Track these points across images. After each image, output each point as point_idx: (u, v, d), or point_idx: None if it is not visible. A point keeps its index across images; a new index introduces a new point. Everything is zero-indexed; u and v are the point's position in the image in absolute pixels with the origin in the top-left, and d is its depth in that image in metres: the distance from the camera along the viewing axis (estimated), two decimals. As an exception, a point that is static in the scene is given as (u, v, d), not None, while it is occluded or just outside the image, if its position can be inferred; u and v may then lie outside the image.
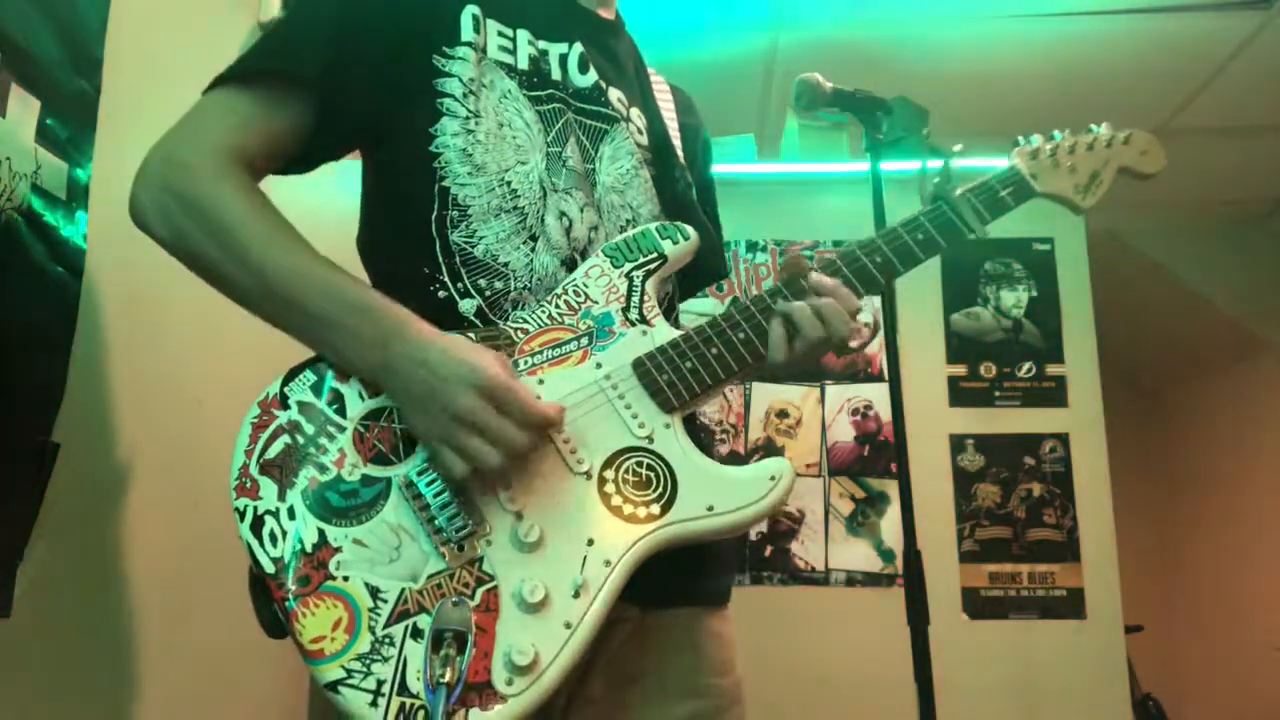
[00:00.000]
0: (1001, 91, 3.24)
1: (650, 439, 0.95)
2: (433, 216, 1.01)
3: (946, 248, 1.09)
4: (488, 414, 0.85)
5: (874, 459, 2.94)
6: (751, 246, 3.11)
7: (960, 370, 3.00)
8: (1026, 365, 2.99)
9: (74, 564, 1.23)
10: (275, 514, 0.86)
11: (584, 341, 0.99)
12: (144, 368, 1.39)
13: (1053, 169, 1.18)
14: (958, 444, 2.95)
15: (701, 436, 1.09)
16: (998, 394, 2.98)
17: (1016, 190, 1.14)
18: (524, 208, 1.03)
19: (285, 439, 0.90)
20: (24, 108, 1.12)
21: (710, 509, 0.92)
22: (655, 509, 0.91)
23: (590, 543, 0.89)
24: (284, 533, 0.86)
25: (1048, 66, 3.10)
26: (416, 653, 0.82)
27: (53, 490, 1.14)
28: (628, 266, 1.04)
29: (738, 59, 3.13)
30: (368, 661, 0.81)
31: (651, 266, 1.04)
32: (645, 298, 1.02)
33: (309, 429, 0.90)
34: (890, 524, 2.88)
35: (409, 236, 1.02)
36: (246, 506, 0.87)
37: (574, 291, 1.02)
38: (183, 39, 1.58)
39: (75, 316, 1.21)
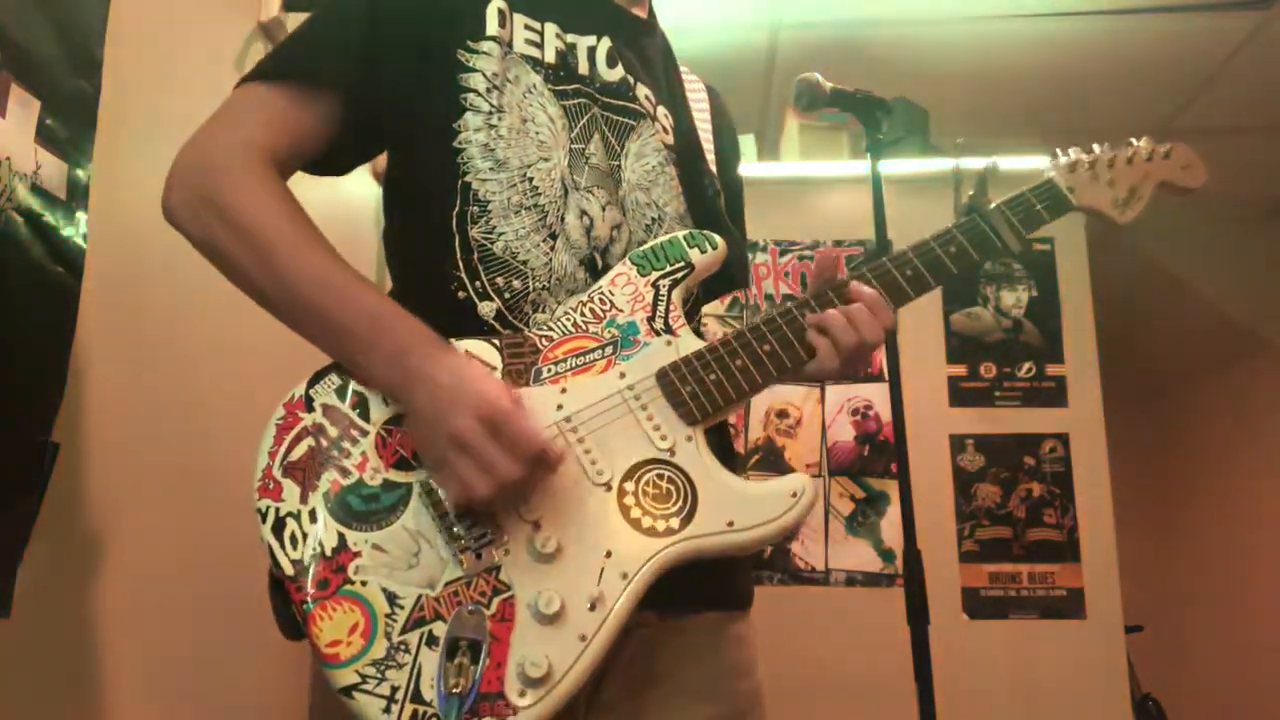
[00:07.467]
0: (1001, 91, 3.24)
1: (672, 451, 0.93)
2: (455, 212, 1.00)
3: (979, 261, 1.07)
4: (481, 439, 0.84)
5: (874, 459, 2.94)
6: (751, 246, 3.10)
7: (960, 370, 3.00)
8: (1026, 365, 2.99)
9: (74, 564, 1.23)
10: (297, 516, 0.86)
11: (608, 350, 0.97)
12: (144, 368, 1.39)
13: (1091, 182, 1.15)
14: (958, 444, 2.94)
15: (724, 439, 1.07)
16: (998, 394, 2.98)
17: (1053, 204, 1.11)
18: (544, 205, 1.02)
19: (309, 441, 0.89)
20: (24, 108, 1.12)
21: (730, 524, 0.90)
22: (674, 522, 0.90)
23: (608, 555, 0.87)
24: (304, 535, 0.85)
25: (1048, 66, 3.11)
26: (431, 660, 0.82)
27: (53, 490, 1.14)
28: (654, 275, 1.01)
29: (738, 59, 3.13)
30: (383, 667, 0.81)
31: (678, 275, 1.02)
32: (671, 307, 1.00)
33: (333, 432, 0.90)
34: (890, 524, 2.87)
35: (431, 233, 1.00)
36: (269, 508, 0.86)
37: (599, 299, 1.00)
38: (183, 39, 1.58)
39: (75, 316, 1.21)
